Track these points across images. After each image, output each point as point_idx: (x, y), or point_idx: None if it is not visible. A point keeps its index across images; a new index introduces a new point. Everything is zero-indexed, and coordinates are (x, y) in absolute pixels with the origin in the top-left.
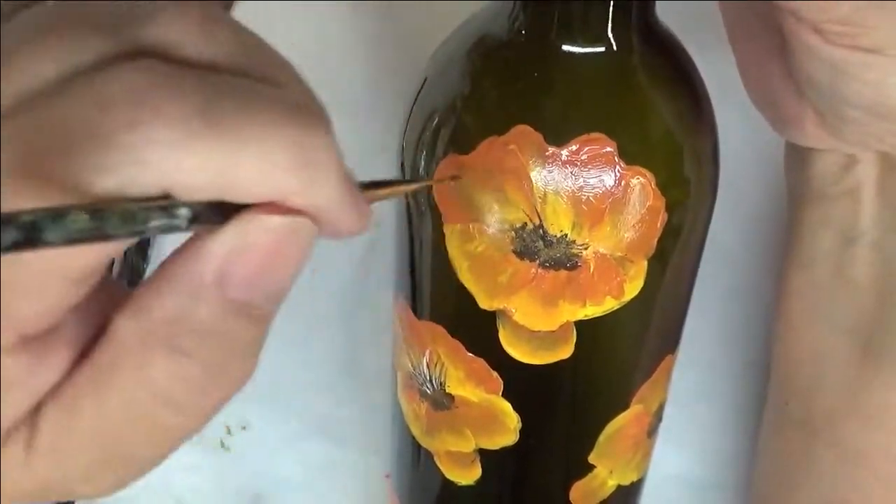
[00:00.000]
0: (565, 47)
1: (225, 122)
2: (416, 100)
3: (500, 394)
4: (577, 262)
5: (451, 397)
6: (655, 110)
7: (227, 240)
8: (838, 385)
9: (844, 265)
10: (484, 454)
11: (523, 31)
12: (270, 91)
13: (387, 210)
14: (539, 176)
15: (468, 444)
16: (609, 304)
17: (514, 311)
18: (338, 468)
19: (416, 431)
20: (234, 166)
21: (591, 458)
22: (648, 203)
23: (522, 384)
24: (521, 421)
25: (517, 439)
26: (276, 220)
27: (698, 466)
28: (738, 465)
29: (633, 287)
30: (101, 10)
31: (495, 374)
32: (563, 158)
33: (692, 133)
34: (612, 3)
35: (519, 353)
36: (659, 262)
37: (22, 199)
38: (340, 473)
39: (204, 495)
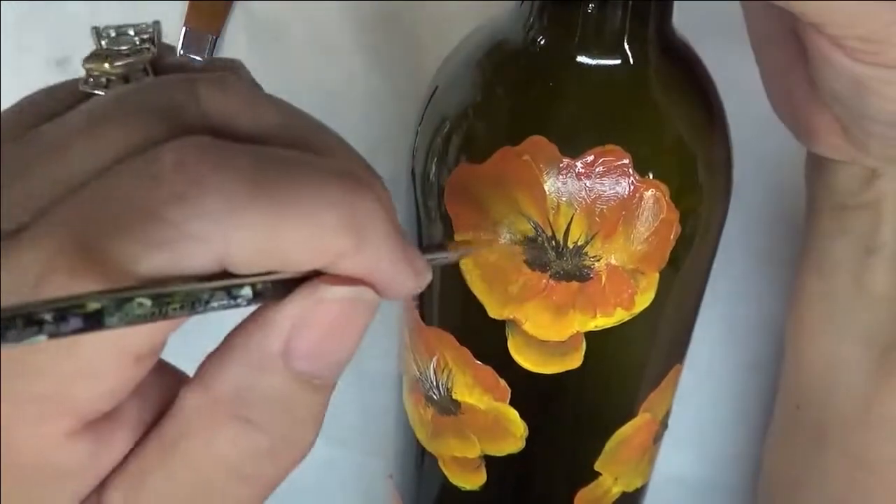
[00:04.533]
0: (581, 58)
1: (271, 189)
2: (427, 106)
3: (508, 402)
4: (588, 273)
5: (457, 404)
6: (671, 123)
7: (291, 311)
8: (851, 394)
9: (862, 276)
10: (489, 460)
11: (539, 41)
12: (317, 159)
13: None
14: (552, 187)
15: (474, 450)
16: (620, 316)
17: (523, 320)
18: (339, 469)
19: (420, 435)
20: (283, 232)
21: (597, 466)
22: (662, 216)
23: (530, 393)
24: (528, 429)
25: (523, 446)
26: (338, 291)
27: (699, 468)
28: (739, 467)
29: (644, 299)
30: (152, 95)
31: (503, 382)
32: (577, 170)
33: (707, 145)
34: (629, 15)
35: (528, 362)
36: (671, 273)
37: (78, 281)
38: (341, 474)
39: None
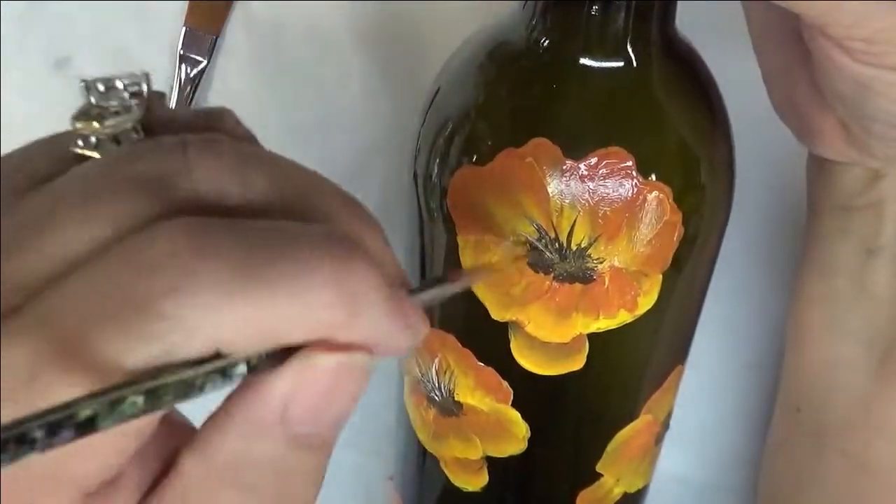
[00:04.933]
0: (584, 60)
1: (259, 273)
2: (429, 107)
3: (510, 403)
4: (592, 275)
5: (459, 405)
6: (674, 125)
7: (285, 382)
8: (852, 396)
9: (864, 277)
10: (491, 461)
11: (542, 42)
12: (305, 229)
13: (393, 210)
14: (556, 189)
15: (476, 452)
16: (622, 318)
17: (526, 322)
18: (338, 469)
19: (422, 436)
20: (276, 314)
21: (599, 467)
22: (665, 218)
23: (533, 394)
24: (530, 430)
25: (525, 448)
26: (330, 359)
27: (700, 468)
28: (740, 467)
29: (646, 301)
30: (143, 165)
31: (505, 383)
32: (581, 172)
33: (709, 146)
34: (632, 16)
35: (530, 364)
36: (673, 275)
37: (69, 377)
38: (341, 474)
39: None
